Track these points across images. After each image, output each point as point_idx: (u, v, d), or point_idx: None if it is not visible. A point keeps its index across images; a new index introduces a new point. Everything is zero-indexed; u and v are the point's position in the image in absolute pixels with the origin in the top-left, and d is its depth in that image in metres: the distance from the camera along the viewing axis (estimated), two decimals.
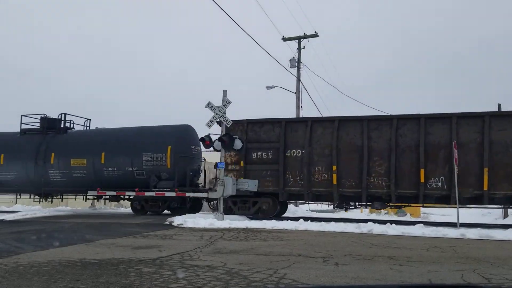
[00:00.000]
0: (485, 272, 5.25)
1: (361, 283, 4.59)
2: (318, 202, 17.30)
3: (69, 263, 5.64)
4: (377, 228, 10.50)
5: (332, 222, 11.72)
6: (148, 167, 15.53)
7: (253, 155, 14.53)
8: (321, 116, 14.53)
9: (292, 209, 20.99)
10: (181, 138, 16.00)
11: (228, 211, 14.37)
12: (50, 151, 16.79)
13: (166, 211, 16.01)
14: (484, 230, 10.24)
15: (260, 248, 7.27)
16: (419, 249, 7.44)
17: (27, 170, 17.04)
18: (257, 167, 14.43)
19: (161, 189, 15.42)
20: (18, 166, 17.17)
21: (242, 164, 14.47)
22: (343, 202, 14.29)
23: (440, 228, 10.57)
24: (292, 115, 26.75)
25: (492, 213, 21.38)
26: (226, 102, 13.05)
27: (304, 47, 27.12)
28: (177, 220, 12.27)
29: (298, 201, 24.69)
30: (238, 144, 13.20)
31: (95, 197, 17.75)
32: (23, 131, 17.97)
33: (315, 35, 26.79)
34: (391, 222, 12.09)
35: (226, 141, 12.85)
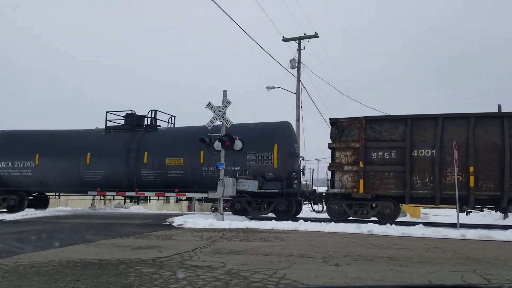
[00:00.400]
0: (485, 272, 5.25)
1: (361, 283, 4.59)
2: (447, 206, 16.07)
3: (69, 263, 5.64)
4: (377, 229, 10.50)
5: (332, 223, 11.73)
6: (252, 167, 14.55)
7: (373, 155, 13.35)
8: (453, 112, 13.43)
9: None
10: (286, 135, 15.12)
11: (341, 214, 13.55)
12: (142, 149, 15.77)
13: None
14: (484, 231, 10.25)
15: (260, 249, 7.27)
16: (419, 250, 7.44)
17: (116, 169, 15.96)
18: (377, 168, 13.27)
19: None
20: (106, 165, 16.13)
21: (361, 164, 13.25)
22: (474, 206, 12.92)
23: (440, 229, 10.58)
24: (292, 115, 26.73)
25: (492, 214, 21.32)
26: (226, 103, 13.05)
27: (304, 47, 27.11)
28: (177, 220, 12.29)
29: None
30: (238, 144, 13.18)
31: (196, 200, 16.81)
32: (108, 129, 16.97)
33: (315, 36, 26.78)
34: (391, 222, 12.10)
35: (226, 141, 12.84)
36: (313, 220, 13.01)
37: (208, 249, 7.12)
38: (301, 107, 26.13)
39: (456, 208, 11.79)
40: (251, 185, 14.31)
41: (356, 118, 13.69)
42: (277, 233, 9.98)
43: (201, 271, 5.09)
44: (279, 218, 13.64)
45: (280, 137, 14.80)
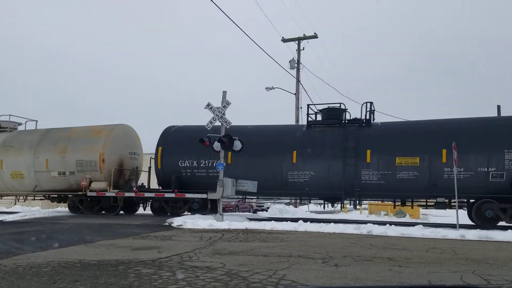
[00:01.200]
0: (484, 273, 5.25)
1: (361, 284, 4.59)
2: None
3: (68, 264, 5.64)
4: (377, 229, 10.51)
5: (332, 223, 11.73)
6: None
7: None
8: None
9: (291, 210, 21.02)
10: None
11: None
12: (363, 147, 14.14)
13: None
14: (483, 231, 10.25)
15: (259, 249, 7.27)
16: (419, 250, 7.44)
17: (330, 170, 14.41)
18: None
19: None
20: (317, 165, 14.55)
21: None
22: None
23: (440, 229, 10.59)
24: (292, 116, 26.75)
25: None
26: (225, 103, 13.05)
27: (303, 48, 27.19)
28: (177, 221, 12.29)
29: (298, 202, 24.67)
30: (237, 145, 13.19)
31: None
32: (309, 124, 15.47)
33: (315, 36, 26.84)
34: (391, 223, 12.10)
35: (225, 142, 12.85)
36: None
37: (208, 250, 7.11)
38: (301, 107, 26.19)
39: (456, 208, 11.80)
40: (250, 186, 14.31)
41: None
42: (276, 234, 9.98)
43: (200, 272, 5.09)
44: None
45: None
